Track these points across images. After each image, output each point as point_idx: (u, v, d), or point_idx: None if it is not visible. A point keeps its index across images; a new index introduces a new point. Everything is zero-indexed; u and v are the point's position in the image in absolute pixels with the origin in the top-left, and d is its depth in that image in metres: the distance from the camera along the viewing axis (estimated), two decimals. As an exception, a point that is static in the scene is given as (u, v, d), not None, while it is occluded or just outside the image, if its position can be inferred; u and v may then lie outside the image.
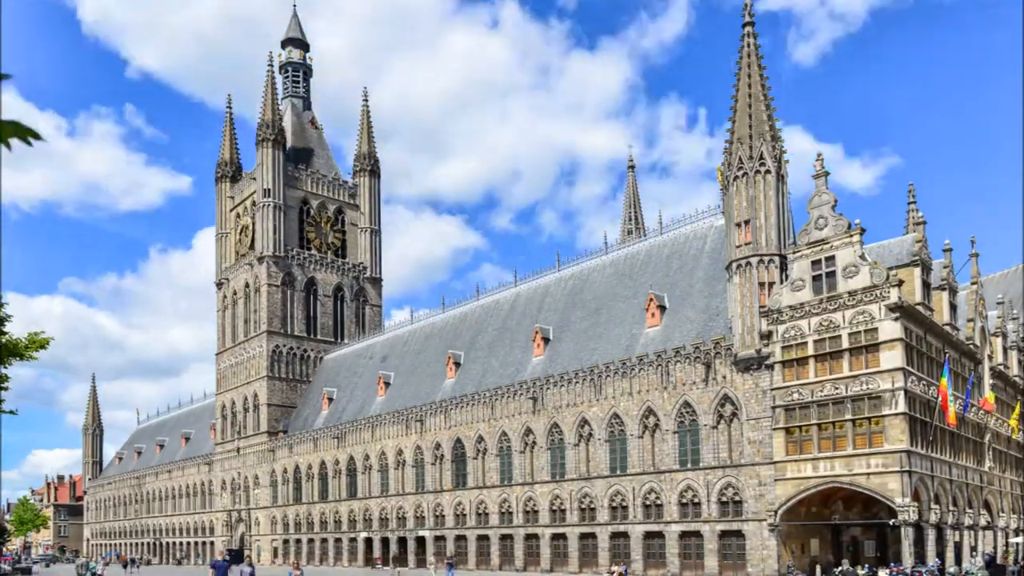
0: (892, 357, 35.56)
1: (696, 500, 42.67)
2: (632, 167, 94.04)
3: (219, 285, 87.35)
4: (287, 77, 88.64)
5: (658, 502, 44.36)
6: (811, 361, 38.00)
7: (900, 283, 36.32)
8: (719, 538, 41.56)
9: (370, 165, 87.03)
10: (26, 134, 2.08)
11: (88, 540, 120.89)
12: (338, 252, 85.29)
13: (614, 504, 46.61)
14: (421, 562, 59.71)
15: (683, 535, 43.23)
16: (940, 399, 37.19)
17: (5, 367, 18.96)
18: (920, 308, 38.58)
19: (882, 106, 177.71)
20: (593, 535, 47.56)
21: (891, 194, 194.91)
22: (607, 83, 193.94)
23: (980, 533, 43.74)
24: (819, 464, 37.37)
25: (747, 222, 40.60)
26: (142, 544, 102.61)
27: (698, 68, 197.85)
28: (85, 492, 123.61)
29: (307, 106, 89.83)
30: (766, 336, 39.44)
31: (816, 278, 38.28)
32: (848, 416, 36.52)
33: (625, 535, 45.88)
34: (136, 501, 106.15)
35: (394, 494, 62.71)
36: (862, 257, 37.14)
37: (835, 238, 37.88)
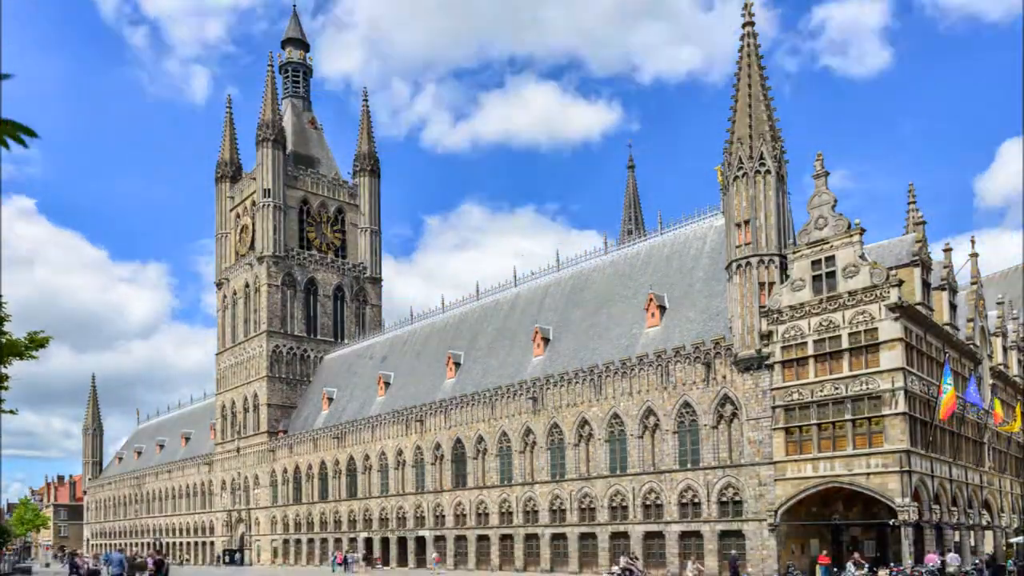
0: (892, 357, 35.56)
1: (696, 500, 42.66)
2: (632, 167, 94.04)
3: (219, 285, 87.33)
4: (287, 77, 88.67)
5: (658, 502, 44.35)
6: (811, 361, 37.99)
7: (900, 283, 36.31)
8: (719, 538, 41.56)
9: (370, 165, 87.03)
10: (24, 132, 2.08)
11: (88, 540, 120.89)
12: (338, 252, 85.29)
13: (614, 504, 46.59)
14: (421, 562, 59.72)
15: (683, 535, 43.22)
16: (946, 397, 36.98)
17: (5, 367, 18.98)
18: (920, 308, 38.56)
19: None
20: (593, 535, 47.55)
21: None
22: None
23: (980, 533, 43.74)
24: (819, 464, 37.36)
25: (747, 222, 40.59)
26: (142, 544, 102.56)
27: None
28: (85, 492, 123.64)
29: (307, 106, 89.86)
30: (766, 336, 39.44)
31: (816, 278, 38.28)
32: (848, 416, 36.51)
33: (625, 535, 45.87)
34: (136, 501, 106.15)
35: (394, 494, 62.70)
36: (862, 257, 37.14)
37: (835, 238, 37.88)
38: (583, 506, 48.33)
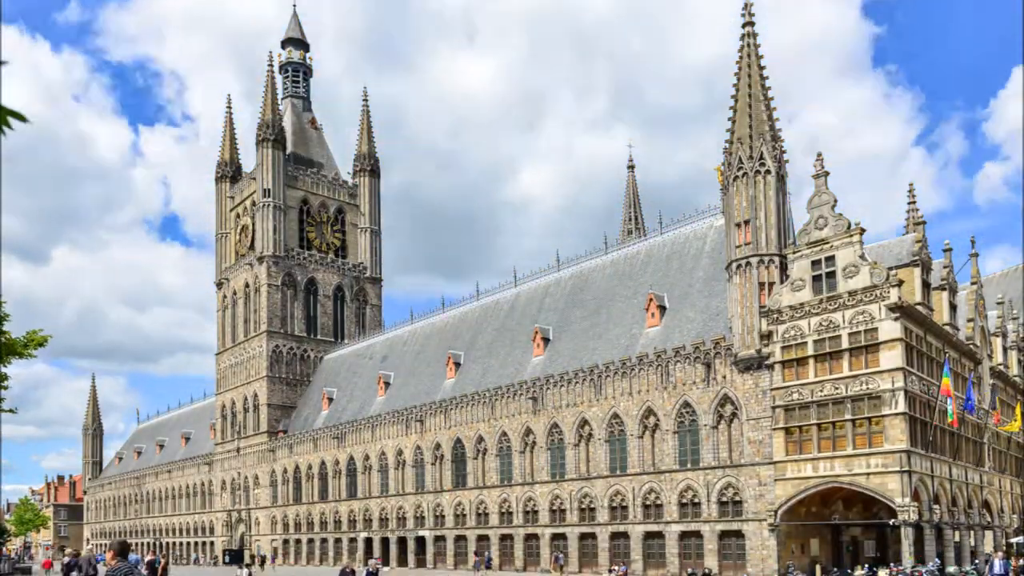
0: (892, 357, 35.53)
1: (696, 500, 42.63)
2: (632, 167, 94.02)
3: (219, 285, 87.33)
4: (287, 77, 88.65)
5: (658, 502, 44.32)
6: (811, 361, 37.97)
7: (900, 283, 36.29)
8: (719, 538, 41.53)
9: (370, 165, 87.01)
10: (15, 116, 2.07)
11: (88, 540, 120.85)
12: (338, 252, 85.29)
13: (614, 504, 46.57)
14: (421, 562, 59.70)
15: (683, 535, 43.20)
16: (947, 399, 37.02)
17: (5, 366, 18.97)
18: (920, 308, 38.54)
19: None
20: (593, 535, 47.53)
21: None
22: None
23: (980, 533, 43.72)
24: (819, 464, 37.35)
25: (747, 222, 40.58)
26: (142, 544, 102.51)
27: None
28: (85, 492, 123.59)
29: (307, 106, 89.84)
30: (766, 336, 39.41)
31: (816, 278, 38.26)
32: (848, 416, 36.49)
33: (625, 535, 45.85)
34: (136, 501, 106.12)
35: (394, 494, 62.67)
36: (862, 257, 37.12)
37: (835, 238, 37.86)
38: (583, 506, 48.30)
